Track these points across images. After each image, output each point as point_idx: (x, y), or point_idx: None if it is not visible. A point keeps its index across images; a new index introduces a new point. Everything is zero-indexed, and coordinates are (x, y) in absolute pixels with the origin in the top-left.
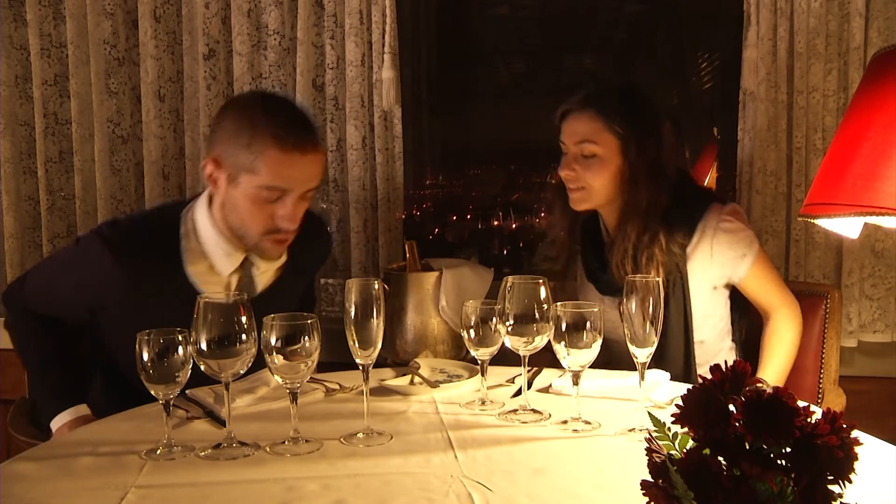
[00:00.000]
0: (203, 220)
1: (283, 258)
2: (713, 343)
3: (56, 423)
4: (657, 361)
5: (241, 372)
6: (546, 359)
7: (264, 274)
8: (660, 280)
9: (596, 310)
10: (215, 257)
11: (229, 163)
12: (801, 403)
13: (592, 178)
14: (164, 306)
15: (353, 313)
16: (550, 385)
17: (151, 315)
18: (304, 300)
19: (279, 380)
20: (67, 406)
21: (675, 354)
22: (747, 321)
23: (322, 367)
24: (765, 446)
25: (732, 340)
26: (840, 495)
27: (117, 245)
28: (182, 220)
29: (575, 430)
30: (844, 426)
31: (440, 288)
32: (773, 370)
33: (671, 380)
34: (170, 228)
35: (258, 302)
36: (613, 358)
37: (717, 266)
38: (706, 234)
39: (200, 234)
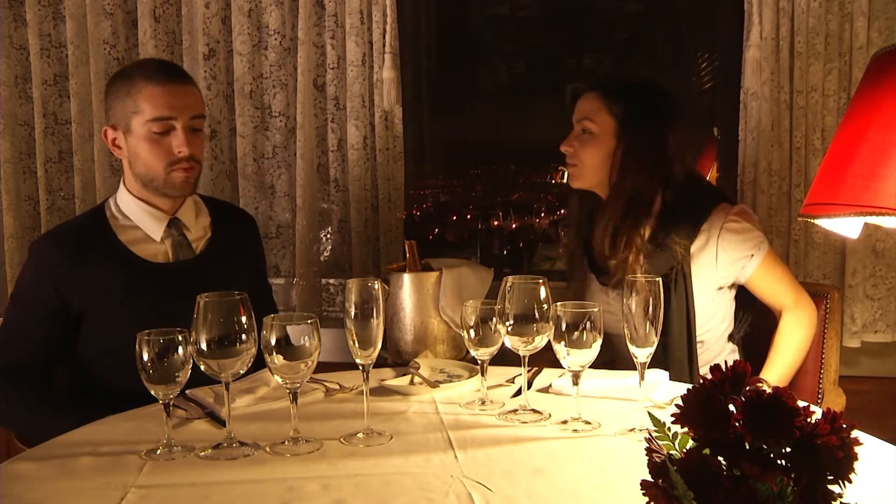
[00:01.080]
0: (123, 197)
1: (209, 233)
2: (714, 344)
3: None
4: (659, 361)
5: (241, 372)
6: (546, 359)
7: (197, 241)
8: (659, 280)
9: (596, 310)
10: (143, 224)
11: (119, 117)
12: (800, 403)
13: (586, 154)
14: (114, 280)
15: (353, 313)
16: (550, 385)
17: (109, 292)
18: (262, 300)
19: (279, 380)
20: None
21: (677, 354)
22: (749, 319)
23: (322, 367)
24: (765, 446)
25: (733, 342)
26: (840, 495)
27: (52, 234)
28: (106, 207)
29: (575, 430)
30: (844, 426)
31: (440, 288)
32: (776, 370)
33: (672, 380)
34: (97, 215)
35: (198, 265)
36: (618, 356)
37: (722, 267)
38: (711, 234)
39: (123, 209)
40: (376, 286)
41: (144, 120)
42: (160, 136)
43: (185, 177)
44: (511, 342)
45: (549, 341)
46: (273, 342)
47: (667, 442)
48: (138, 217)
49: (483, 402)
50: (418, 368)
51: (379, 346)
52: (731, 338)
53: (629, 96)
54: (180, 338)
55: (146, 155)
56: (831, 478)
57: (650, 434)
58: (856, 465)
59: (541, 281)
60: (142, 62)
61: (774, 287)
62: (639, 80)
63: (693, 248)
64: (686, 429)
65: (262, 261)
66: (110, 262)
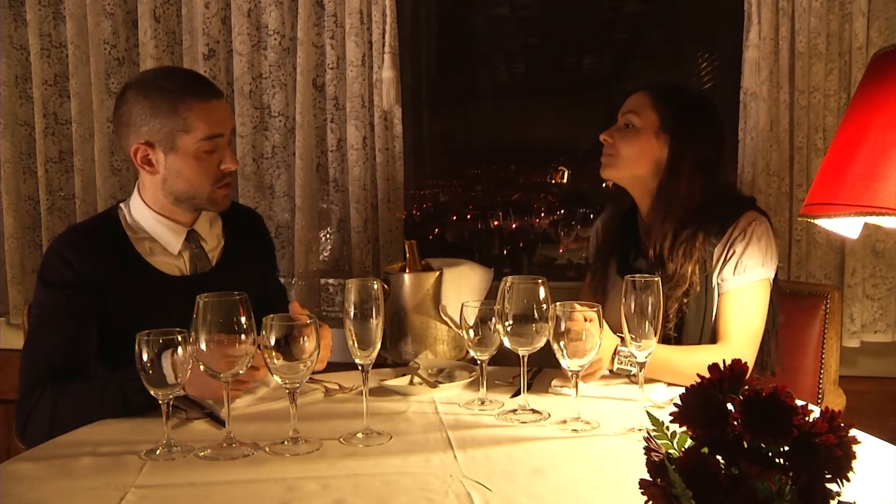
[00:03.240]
0: (139, 209)
1: (222, 241)
2: None
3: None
4: None
5: (241, 372)
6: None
7: (213, 251)
8: (658, 280)
9: (595, 310)
10: (161, 237)
11: (161, 136)
12: (798, 403)
13: (624, 146)
14: (133, 292)
15: (352, 313)
16: (550, 385)
17: (127, 304)
18: (276, 295)
19: (279, 380)
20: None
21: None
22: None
23: None
24: (763, 445)
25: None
26: (838, 493)
27: (67, 239)
28: (120, 217)
29: (574, 430)
30: (842, 425)
31: (440, 288)
32: (672, 355)
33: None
34: (111, 223)
35: (216, 276)
36: None
37: (727, 269)
38: (734, 237)
39: (139, 221)
40: (376, 286)
41: (197, 139)
42: (208, 153)
43: (226, 193)
44: (510, 342)
45: (547, 341)
46: (273, 342)
47: (665, 441)
48: (156, 230)
49: (483, 402)
50: (418, 368)
51: (378, 346)
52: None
53: (677, 101)
54: (180, 338)
55: (193, 173)
56: (829, 476)
57: (649, 433)
58: (854, 464)
59: (540, 281)
60: (169, 74)
61: (737, 316)
62: (691, 88)
63: (716, 251)
64: (685, 428)
65: (273, 258)
66: (129, 273)
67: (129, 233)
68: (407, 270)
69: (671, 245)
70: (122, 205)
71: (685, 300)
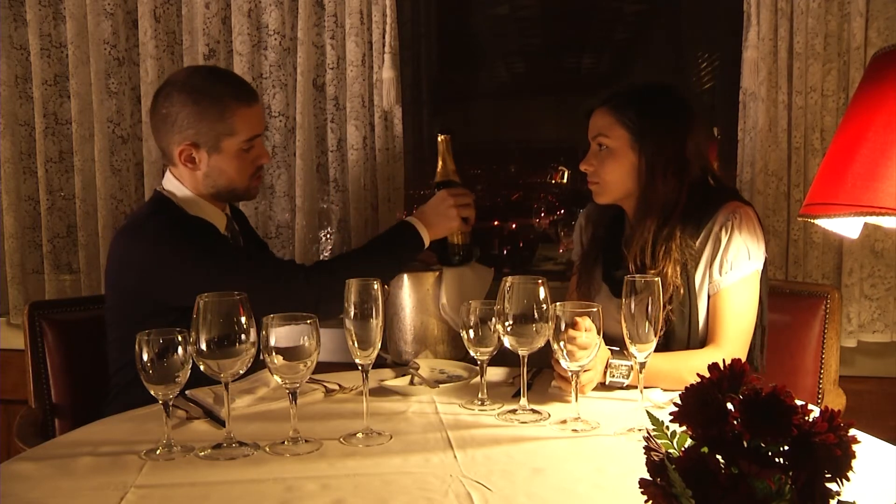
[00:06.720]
0: (186, 195)
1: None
2: None
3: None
4: None
5: (241, 372)
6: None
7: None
8: (658, 280)
9: (595, 310)
10: (213, 219)
11: (208, 138)
12: (798, 402)
13: (605, 172)
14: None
15: (352, 313)
16: (550, 385)
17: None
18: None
19: (279, 380)
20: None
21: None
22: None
23: (322, 367)
24: (763, 444)
25: None
26: (838, 493)
27: (171, 224)
28: (174, 205)
29: (574, 430)
30: (842, 424)
31: (440, 288)
32: (664, 364)
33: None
34: (173, 206)
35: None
36: None
37: (714, 267)
38: (713, 232)
39: (190, 208)
40: (375, 286)
41: (240, 140)
42: (246, 151)
43: (259, 184)
44: (510, 342)
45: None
46: (273, 342)
47: (665, 441)
48: (207, 213)
49: (482, 402)
50: (418, 368)
51: (378, 346)
52: None
53: (640, 105)
54: (180, 338)
55: (234, 170)
56: (829, 476)
57: (649, 433)
58: (854, 463)
59: (540, 281)
60: (217, 79)
61: (729, 317)
62: (648, 86)
63: (697, 250)
64: (684, 428)
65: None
66: (221, 243)
67: (192, 213)
68: (438, 171)
69: (651, 250)
70: (165, 197)
71: (669, 305)
